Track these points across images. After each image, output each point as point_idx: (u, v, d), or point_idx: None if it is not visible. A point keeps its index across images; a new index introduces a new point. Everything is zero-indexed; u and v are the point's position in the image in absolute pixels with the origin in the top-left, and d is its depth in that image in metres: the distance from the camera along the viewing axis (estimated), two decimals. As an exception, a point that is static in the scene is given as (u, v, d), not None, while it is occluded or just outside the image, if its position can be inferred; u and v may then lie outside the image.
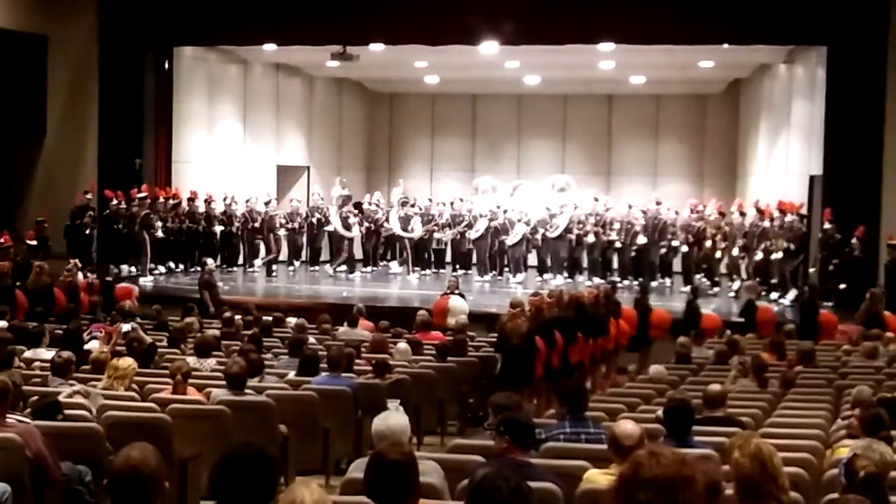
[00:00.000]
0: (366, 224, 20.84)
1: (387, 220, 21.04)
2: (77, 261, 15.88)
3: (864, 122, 16.45)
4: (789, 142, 19.42)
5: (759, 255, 17.83)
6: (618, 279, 18.84)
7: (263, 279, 20.03)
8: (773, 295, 17.14)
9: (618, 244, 19.76)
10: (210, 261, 17.13)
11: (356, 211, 20.95)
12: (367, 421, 6.14)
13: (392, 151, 25.51)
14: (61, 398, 7.16)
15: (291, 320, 12.96)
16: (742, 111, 22.78)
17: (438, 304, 14.69)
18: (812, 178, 17.91)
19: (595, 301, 13.16)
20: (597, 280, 18.69)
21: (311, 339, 11.37)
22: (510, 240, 20.15)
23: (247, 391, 7.86)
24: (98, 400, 7.47)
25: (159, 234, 18.95)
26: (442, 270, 20.74)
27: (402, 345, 11.09)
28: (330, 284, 19.46)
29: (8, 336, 9.73)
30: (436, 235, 20.87)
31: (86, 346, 10.06)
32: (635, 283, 19.03)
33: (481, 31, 17.62)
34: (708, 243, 18.90)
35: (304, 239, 21.24)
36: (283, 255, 20.97)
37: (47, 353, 9.29)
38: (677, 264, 19.88)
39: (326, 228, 20.97)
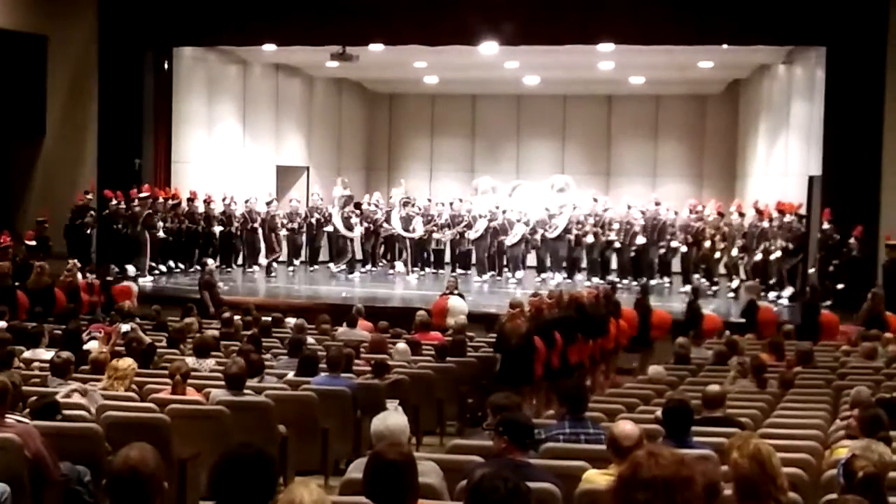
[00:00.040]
0: (365, 224, 20.86)
1: (386, 220, 21.07)
2: (76, 261, 15.89)
3: (863, 122, 16.45)
4: (788, 142, 19.43)
5: (759, 256, 17.84)
6: (617, 279, 18.85)
7: (263, 279, 20.03)
8: (771, 295, 17.15)
9: (617, 244, 19.77)
10: (210, 261, 17.15)
11: (357, 211, 20.97)
12: (366, 421, 6.14)
13: (391, 152, 25.51)
14: (59, 398, 7.16)
15: (290, 320, 12.95)
16: (741, 111, 22.78)
17: (437, 304, 14.70)
18: (811, 179, 17.92)
19: (595, 301, 13.17)
20: (596, 280, 18.70)
21: (311, 340, 11.37)
22: (509, 240, 20.16)
23: (246, 391, 7.86)
24: (96, 398, 7.48)
25: (161, 234, 18.95)
26: (441, 271, 20.76)
27: (402, 345, 11.09)
28: (329, 285, 19.46)
29: (7, 336, 9.73)
30: (435, 236, 20.88)
31: (85, 347, 10.06)
32: (634, 283, 19.06)
33: (481, 32, 17.62)
34: (707, 244, 18.90)
35: (304, 239, 21.26)
36: (283, 256, 20.98)
37: (46, 354, 9.29)
38: (676, 264, 19.88)
39: (325, 229, 20.99)
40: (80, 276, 15.26)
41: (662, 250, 19.70)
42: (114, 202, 18.81)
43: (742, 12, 16.78)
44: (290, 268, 20.78)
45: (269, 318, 12.78)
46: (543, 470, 5.35)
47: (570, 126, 24.31)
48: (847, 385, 8.94)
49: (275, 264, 20.48)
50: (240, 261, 20.77)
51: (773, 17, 16.72)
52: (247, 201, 20.54)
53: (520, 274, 20.06)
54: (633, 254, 19.80)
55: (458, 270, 20.46)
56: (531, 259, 20.81)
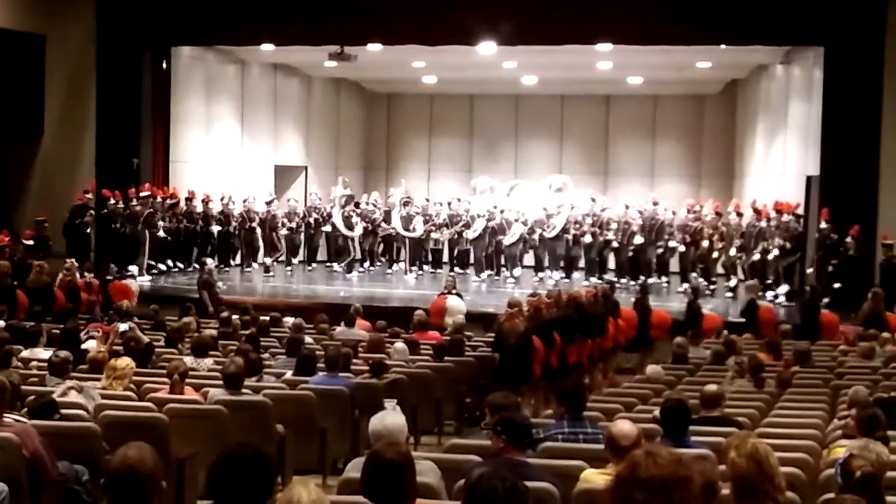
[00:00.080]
0: (363, 224, 20.86)
1: (384, 219, 21.08)
2: (73, 260, 15.88)
3: (861, 122, 16.47)
4: (786, 142, 19.44)
5: (757, 256, 17.85)
6: (615, 279, 18.85)
7: (261, 279, 20.03)
8: (769, 294, 17.15)
9: (615, 244, 19.78)
10: (210, 261, 17.15)
11: (357, 210, 20.98)
12: (365, 420, 6.13)
13: (390, 151, 25.51)
14: (55, 397, 7.16)
15: (288, 320, 12.95)
16: (739, 112, 22.79)
17: (436, 303, 14.70)
18: (809, 179, 17.94)
19: (594, 301, 13.18)
20: (594, 280, 18.71)
21: (309, 339, 11.36)
22: (507, 240, 20.16)
23: (244, 391, 7.86)
24: (92, 394, 7.48)
25: (161, 233, 18.95)
26: (439, 270, 20.77)
27: (400, 344, 11.09)
28: (327, 284, 19.46)
29: (5, 336, 9.73)
30: (433, 235, 20.89)
31: (83, 346, 10.06)
32: (632, 283, 19.07)
33: (479, 32, 17.63)
34: (705, 243, 18.90)
35: (302, 238, 21.26)
36: (282, 255, 20.99)
37: (45, 353, 9.29)
38: (674, 264, 19.88)
39: (324, 228, 21.01)
40: (77, 275, 15.25)
41: (660, 250, 19.70)
42: (112, 201, 18.81)
43: (740, 12, 16.79)
44: (289, 267, 20.78)
45: (267, 318, 12.78)
46: (541, 469, 5.35)
47: (568, 126, 24.32)
48: (845, 385, 8.96)
49: (275, 263, 20.48)
50: (238, 260, 20.78)
51: (771, 18, 16.73)
52: (245, 201, 20.55)
53: (517, 271, 20.05)
54: (630, 253, 19.81)
55: (457, 270, 20.46)
56: (529, 259, 20.81)
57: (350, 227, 20.72)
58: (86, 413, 7.16)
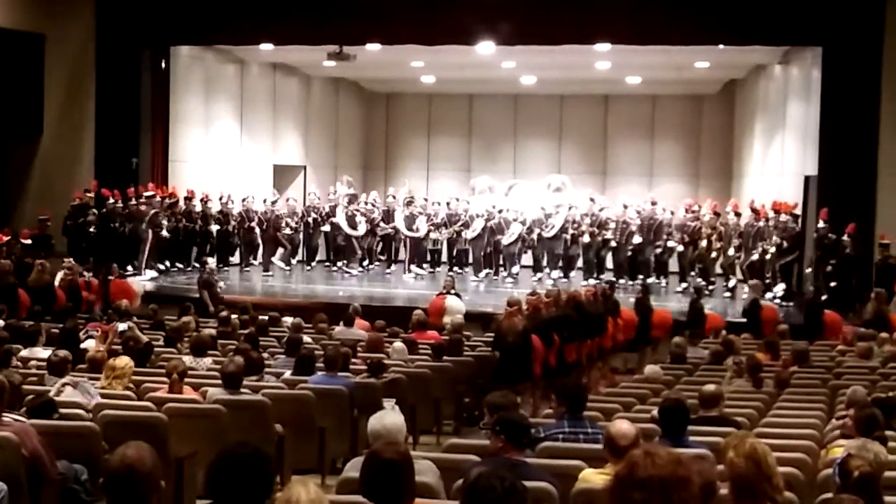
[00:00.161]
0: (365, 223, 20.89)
1: (384, 219, 21.10)
2: (72, 259, 15.86)
3: (860, 122, 16.48)
4: (784, 142, 19.45)
5: (755, 256, 17.86)
6: (614, 279, 18.84)
7: (260, 278, 20.03)
8: (768, 295, 17.15)
9: (613, 244, 19.79)
10: (210, 260, 17.14)
11: (360, 209, 21.00)
12: (363, 420, 6.14)
13: (388, 151, 25.52)
14: (51, 395, 7.16)
15: (288, 319, 12.95)
16: (737, 112, 22.80)
17: (434, 303, 14.71)
18: (807, 179, 17.95)
19: (593, 300, 13.19)
20: (592, 280, 18.71)
21: (308, 339, 11.36)
22: (506, 239, 20.16)
23: (243, 390, 7.87)
24: (87, 388, 7.48)
25: (164, 233, 18.94)
26: (438, 270, 20.78)
27: (398, 344, 11.10)
28: (326, 284, 19.47)
29: (4, 335, 9.73)
30: (432, 235, 20.90)
31: (82, 345, 10.06)
32: (630, 283, 19.08)
33: (478, 32, 17.63)
34: (703, 243, 18.90)
35: (301, 238, 21.25)
36: (288, 253, 21.00)
37: (44, 352, 9.29)
38: (672, 264, 19.89)
39: (323, 228, 21.02)
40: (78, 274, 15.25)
41: (659, 250, 19.70)
42: (111, 201, 18.80)
43: (738, 13, 16.80)
44: (288, 267, 20.78)
45: (266, 317, 12.78)
46: (540, 469, 5.35)
47: (567, 126, 24.33)
48: (843, 385, 8.96)
49: (281, 262, 20.45)
50: (237, 259, 20.78)
51: (770, 18, 16.74)
52: (244, 200, 20.54)
53: (515, 269, 20.04)
54: (629, 253, 19.81)
55: (455, 270, 20.47)
56: (527, 258, 20.81)
57: (353, 226, 20.73)
58: (84, 412, 7.16)
